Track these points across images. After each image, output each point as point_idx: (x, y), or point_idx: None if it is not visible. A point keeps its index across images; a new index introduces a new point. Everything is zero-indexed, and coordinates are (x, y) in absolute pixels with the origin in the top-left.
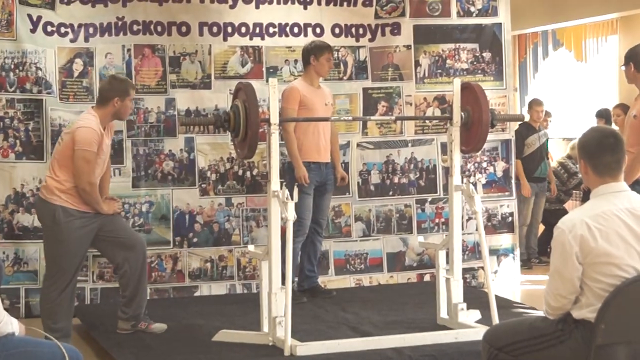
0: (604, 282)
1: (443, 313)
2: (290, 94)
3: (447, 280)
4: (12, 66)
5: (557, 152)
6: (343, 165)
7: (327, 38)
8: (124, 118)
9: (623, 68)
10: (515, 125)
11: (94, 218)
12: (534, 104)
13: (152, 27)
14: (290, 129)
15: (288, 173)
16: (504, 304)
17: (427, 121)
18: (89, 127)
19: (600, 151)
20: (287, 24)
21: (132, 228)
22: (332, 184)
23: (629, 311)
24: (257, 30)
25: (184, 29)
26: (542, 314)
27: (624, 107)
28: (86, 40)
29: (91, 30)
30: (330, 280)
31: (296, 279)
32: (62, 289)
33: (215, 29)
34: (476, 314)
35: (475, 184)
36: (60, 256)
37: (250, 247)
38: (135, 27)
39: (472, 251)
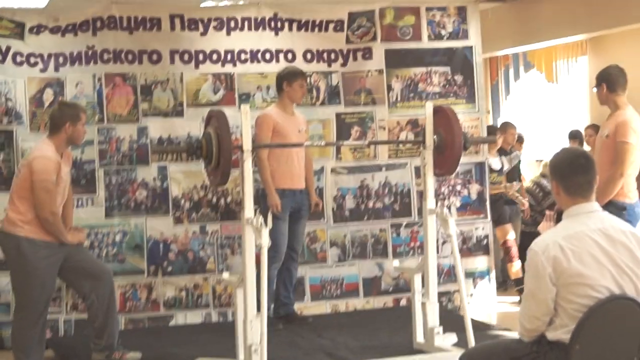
0: (578, 303)
1: (419, 337)
2: (263, 121)
3: (423, 304)
4: None
5: (530, 174)
6: (317, 190)
7: (299, 64)
8: (78, 143)
9: (595, 90)
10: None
11: (59, 248)
12: (508, 127)
13: (122, 55)
14: (264, 157)
15: (262, 200)
16: (480, 327)
17: (400, 145)
18: (45, 157)
19: (572, 172)
20: (258, 51)
21: (98, 258)
22: (306, 210)
23: (603, 332)
24: (229, 57)
25: (155, 57)
26: (517, 336)
27: (595, 128)
28: (56, 69)
29: (61, 59)
30: (307, 307)
31: (272, 305)
32: (34, 322)
33: (186, 57)
34: (452, 338)
35: (449, 207)
36: (28, 288)
37: (225, 275)
38: (105, 56)
39: (448, 274)
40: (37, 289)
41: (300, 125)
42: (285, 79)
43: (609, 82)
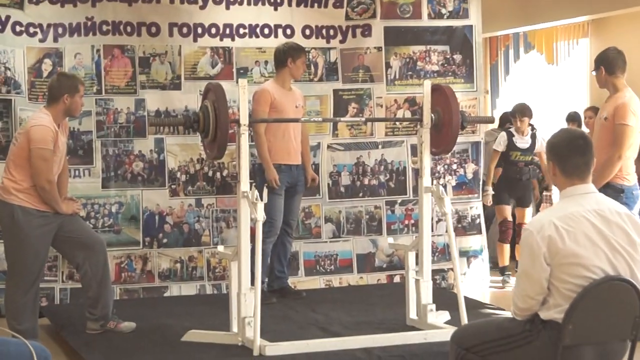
0: (572, 283)
1: (412, 314)
2: (261, 96)
3: (417, 281)
4: None
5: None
6: (313, 166)
7: (298, 39)
8: (75, 114)
9: (594, 73)
10: (486, 127)
11: (53, 218)
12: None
13: (121, 27)
14: (261, 131)
15: (258, 174)
16: (473, 305)
17: (397, 123)
18: (43, 125)
19: (570, 153)
20: (257, 25)
21: (92, 228)
22: (302, 186)
23: (597, 312)
24: (228, 31)
25: (153, 29)
26: (510, 315)
27: (594, 110)
28: (55, 40)
29: (60, 30)
30: (300, 281)
31: (266, 279)
32: (26, 290)
33: (185, 30)
34: (445, 315)
35: (445, 186)
36: (22, 256)
37: (220, 248)
38: (104, 28)
39: (442, 253)
40: (30, 258)
41: (298, 100)
42: (290, 54)
43: (608, 64)
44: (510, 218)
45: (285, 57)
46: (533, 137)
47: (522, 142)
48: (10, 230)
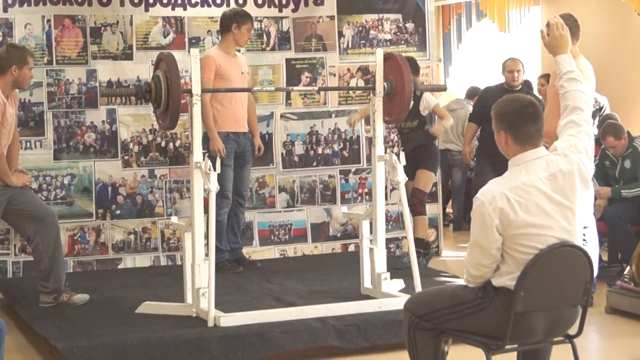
0: (524, 252)
1: (367, 283)
2: (205, 63)
3: (371, 250)
4: None
5: None
6: (267, 136)
7: (250, 8)
8: (24, 87)
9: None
10: (440, 96)
11: (3, 190)
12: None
13: None
14: (206, 100)
15: (206, 144)
16: (427, 273)
17: (350, 92)
18: None
19: (522, 121)
20: None
21: (43, 201)
22: (250, 155)
23: (548, 279)
24: (179, 0)
25: None
26: (463, 283)
27: (547, 77)
28: (5, 10)
29: (10, 0)
30: (255, 251)
31: (229, 248)
32: None
33: (136, 0)
34: (400, 284)
35: (398, 155)
36: None
37: (174, 219)
38: None
39: (396, 221)
40: None
41: (243, 66)
42: (235, 20)
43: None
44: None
45: (230, 22)
46: (416, 98)
47: None
48: None
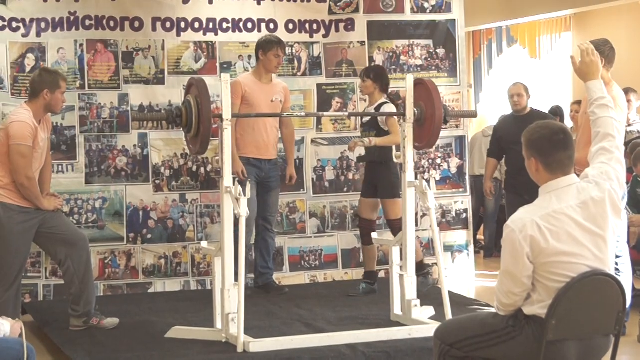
0: (556, 280)
1: (397, 309)
2: (232, 88)
3: (401, 276)
4: None
5: None
6: (297, 161)
7: (281, 34)
8: (56, 111)
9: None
10: (470, 122)
11: (35, 214)
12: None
13: (104, 22)
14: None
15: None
16: (458, 301)
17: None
18: (22, 121)
19: (553, 148)
20: (240, 20)
21: (74, 225)
22: (277, 181)
23: (580, 307)
24: (211, 25)
25: (137, 24)
26: (494, 311)
27: (580, 104)
28: (38, 35)
29: (43, 25)
30: (285, 277)
31: (252, 275)
32: (7, 287)
33: (168, 24)
34: (430, 311)
35: (428, 181)
36: (2, 253)
37: (204, 244)
38: (87, 22)
39: (427, 247)
40: (12, 255)
41: (276, 94)
42: (261, 47)
43: (606, 57)
44: (364, 214)
45: (257, 49)
46: (378, 108)
47: (365, 118)
48: None
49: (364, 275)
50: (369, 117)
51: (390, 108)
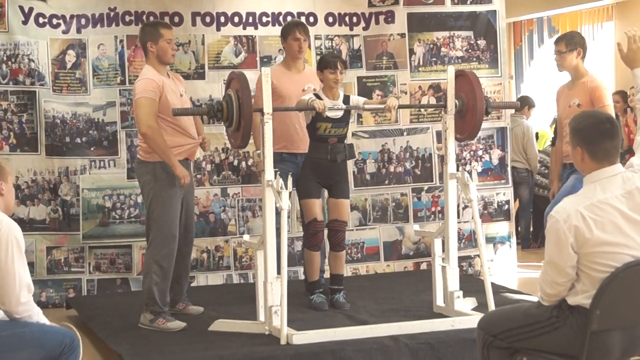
0: (601, 270)
1: (439, 301)
2: (259, 81)
3: (443, 268)
4: (5, 58)
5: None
6: None
7: (321, 27)
8: (168, 61)
9: (563, 52)
10: (510, 112)
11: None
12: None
13: (144, 17)
14: (257, 120)
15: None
16: (500, 292)
17: (422, 109)
18: (144, 77)
19: (599, 137)
20: (280, 13)
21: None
22: None
23: (624, 297)
24: (251, 19)
25: (176, 19)
26: (537, 301)
27: (622, 94)
28: (78, 31)
29: (83, 21)
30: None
31: (294, 268)
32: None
33: (208, 19)
34: (472, 302)
35: (470, 172)
36: (164, 211)
37: (246, 237)
38: (127, 18)
39: (469, 239)
40: (173, 212)
41: (308, 83)
42: (282, 35)
43: (585, 49)
44: (320, 216)
45: (281, 40)
46: (346, 100)
47: (332, 110)
48: (153, 188)
49: (313, 284)
50: (342, 112)
51: (357, 97)
